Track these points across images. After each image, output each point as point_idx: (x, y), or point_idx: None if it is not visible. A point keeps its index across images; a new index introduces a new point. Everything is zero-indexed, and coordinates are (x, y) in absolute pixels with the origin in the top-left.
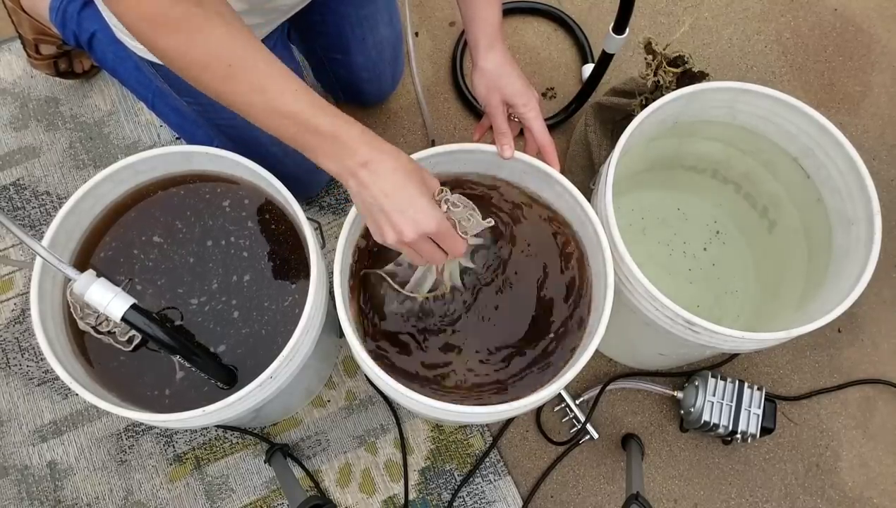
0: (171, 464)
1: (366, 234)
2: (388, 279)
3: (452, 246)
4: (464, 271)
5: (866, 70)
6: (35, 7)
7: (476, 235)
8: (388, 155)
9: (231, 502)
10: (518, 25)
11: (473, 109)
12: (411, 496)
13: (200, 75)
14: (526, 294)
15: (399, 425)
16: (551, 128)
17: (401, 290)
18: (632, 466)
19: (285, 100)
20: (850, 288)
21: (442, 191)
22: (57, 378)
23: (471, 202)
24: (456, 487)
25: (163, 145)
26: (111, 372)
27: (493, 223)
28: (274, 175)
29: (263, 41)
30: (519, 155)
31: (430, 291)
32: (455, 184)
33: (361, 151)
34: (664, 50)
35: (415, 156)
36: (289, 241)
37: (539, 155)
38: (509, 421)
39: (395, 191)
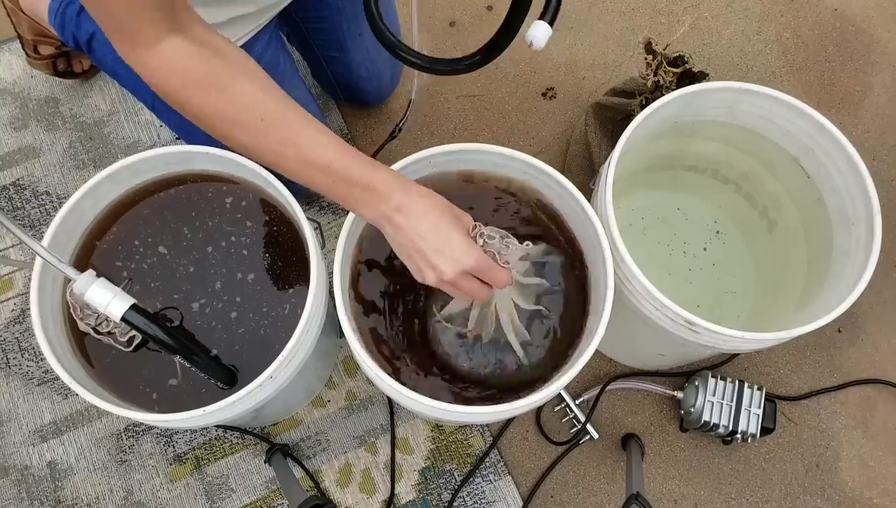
0: (171, 464)
1: (365, 239)
2: (448, 325)
3: (495, 278)
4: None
5: (866, 70)
6: (34, 8)
7: (536, 275)
8: (419, 197)
9: (231, 502)
10: None
11: (474, 109)
12: (411, 496)
13: (231, 130)
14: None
15: (393, 427)
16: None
17: (466, 332)
18: (632, 466)
19: (317, 152)
20: (851, 288)
21: (476, 226)
22: (57, 378)
23: (503, 231)
24: (456, 487)
25: (163, 145)
26: (111, 372)
27: (531, 246)
28: (273, 174)
29: (256, 37)
30: (517, 154)
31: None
32: (450, 184)
33: (395, 196)
34: (664, 50)
35: (415, 156)
36: (289, 241)
37: None
38: (509, 421)
39: (430, 232)
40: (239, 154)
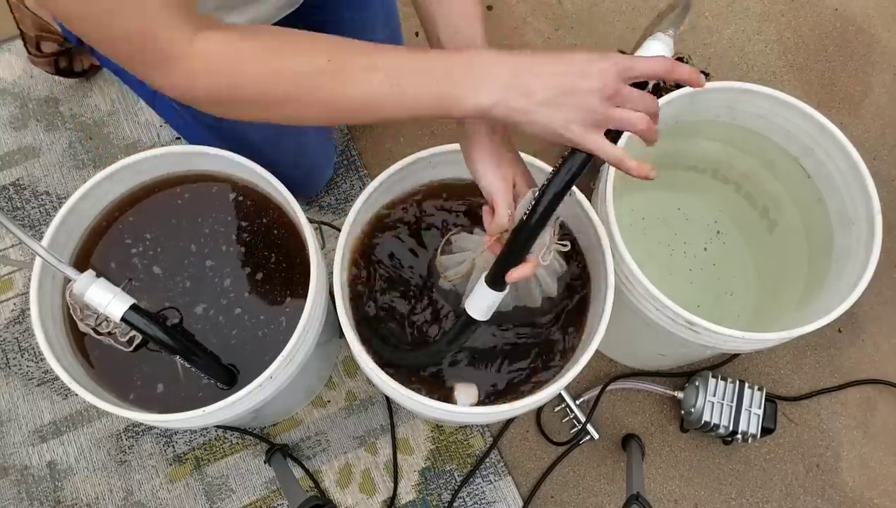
0: (171, 464)
1: (364, 238)
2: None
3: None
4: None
5: (866, 70)
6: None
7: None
8: (521, 53)
9: (231, 502)
10: (518, 25)
11: None
12: (411, 496)
13: (311, 88)
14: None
15: (393, 427)
16: None
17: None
18: (632, 466)
19: (406, 62)
20: (851, 288)
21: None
22: (57, 378)
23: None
24: (456, 487)
25: (163, 145)
26: (111, 372)
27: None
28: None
29: None
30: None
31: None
32: (446, 187)
33: (501, 64)
34: None
35: (415, 156)
36: (289, 242)
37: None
38: (509, 422)
39: (560, 64)
40: (314, 122)
